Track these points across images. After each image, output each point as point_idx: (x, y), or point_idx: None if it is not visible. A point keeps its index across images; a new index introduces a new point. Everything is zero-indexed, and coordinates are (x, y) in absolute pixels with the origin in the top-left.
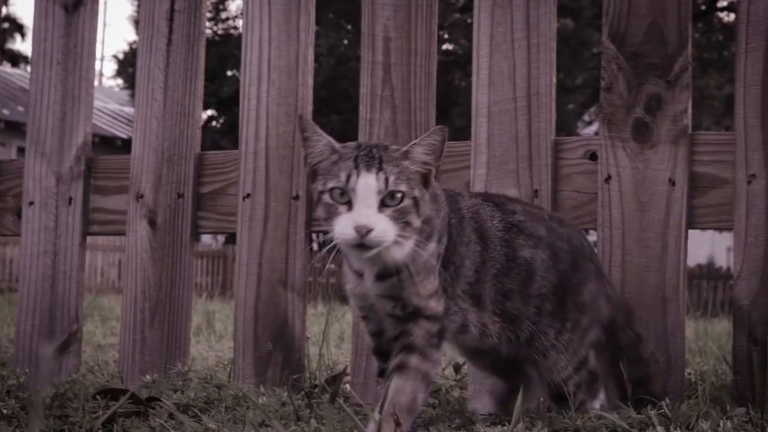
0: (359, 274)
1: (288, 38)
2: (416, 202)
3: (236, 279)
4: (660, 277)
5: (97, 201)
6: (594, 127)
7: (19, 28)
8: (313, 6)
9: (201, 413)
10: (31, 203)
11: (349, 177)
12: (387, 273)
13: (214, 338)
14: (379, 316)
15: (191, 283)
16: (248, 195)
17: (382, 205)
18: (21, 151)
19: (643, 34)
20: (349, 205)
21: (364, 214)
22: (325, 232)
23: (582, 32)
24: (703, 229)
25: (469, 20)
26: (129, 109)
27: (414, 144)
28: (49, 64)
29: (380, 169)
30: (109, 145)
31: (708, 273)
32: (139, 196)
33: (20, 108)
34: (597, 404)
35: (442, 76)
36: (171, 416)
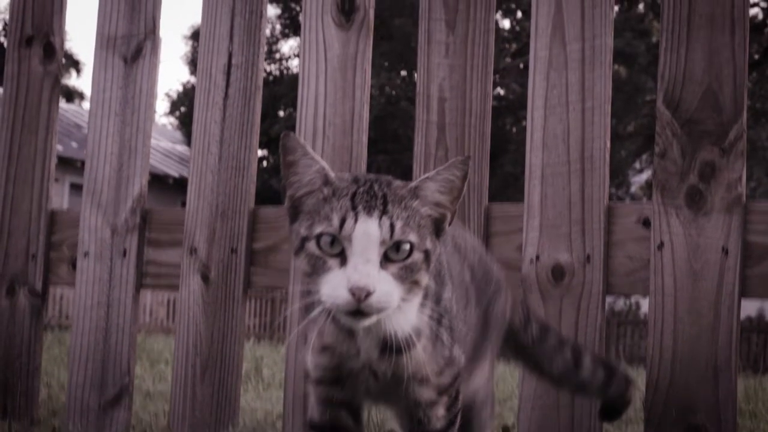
0: (348, 332)
1: (344, 95)
2: (427, 256)
3: (288, 336)
4: (712, 346)
5: (150, 254)
6: (645, 175)
7: (74, 63)
8: (369, 64)
9: None
10: (86, 254)
11: (343, 221)
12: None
13: (262, 387)
14: (363, 387)
15: (242, 339)
16: None
17: (386, 259)
18: (73, 187)
19: (698, 101)
20: (343, 258)
21: (363, 271)
22: (308, 292)
23: (636, 79)
24: (757, 298)
25: (521, 65)
26: (181, 147)
27: (426, 178)
28: (107, 115)
29: (384, 211)
30: (161, 183)
31: (758, 326)
32: (193, 250)
33: (74, 144)
34: None
35: (493, 121)
36: None
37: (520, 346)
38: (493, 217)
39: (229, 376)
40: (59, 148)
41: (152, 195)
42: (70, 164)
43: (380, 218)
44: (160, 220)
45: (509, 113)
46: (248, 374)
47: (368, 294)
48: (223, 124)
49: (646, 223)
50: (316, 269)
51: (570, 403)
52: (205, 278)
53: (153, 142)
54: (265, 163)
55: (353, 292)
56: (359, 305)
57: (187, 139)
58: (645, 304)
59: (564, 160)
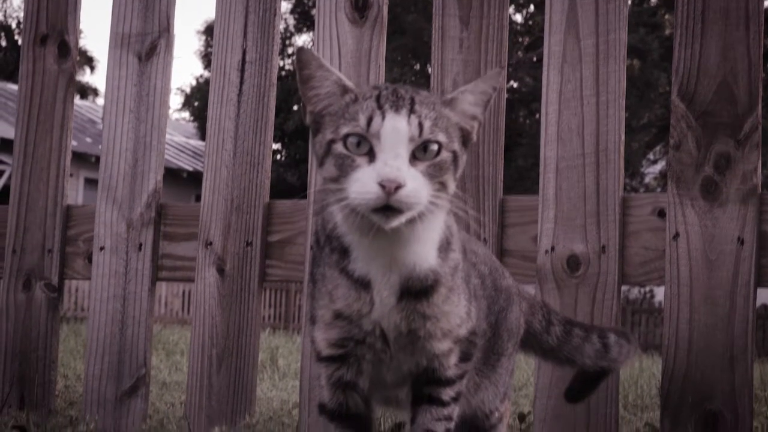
0: (363, 284)
1: None
2: (456, 158)
3: (304, 326)
4: (728, 335)
5: (166, 247)
6: (659, 166)
7: (88, 60)
8: (383, 59)
9: None
10: (102, 248)
11: (370, 120)
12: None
13: (278, 376)
14: (372, 359)
15: (258, 330)
16: None
17: (414, 157)
18: (88, 181)
19: (713, 94)
20: (371, 155)
21: (393, 165)
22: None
23: (649, 73)
24: None
25: (534, 58)
26: (195, 142)
27: (465, 91)
28: (121, 112)
29: (412, 110)
30: (175, 177)
31: None
32: (208, 244)
33: (88, 139)
34: None
35: (506, 114)
36: None
37: (547, 348)
38: (508, 210)
39: (245, 366)
40: (73, 143)
41: (166, 189)
42: (84, 159)
43: (408, 116)
44: (176, 215)
45: (522, 106)
46: (264, 364)
47: (398, 187)
48: (238, 120)
49: (661, 214)
50: (344, 170)
51: None
52: (220, 271)
53: (167, 137)
54: (279, 157)
55: (383, 184)
56: (389, 199)
57: (201, 133)
58: (659, 293)
59: (579, 153)
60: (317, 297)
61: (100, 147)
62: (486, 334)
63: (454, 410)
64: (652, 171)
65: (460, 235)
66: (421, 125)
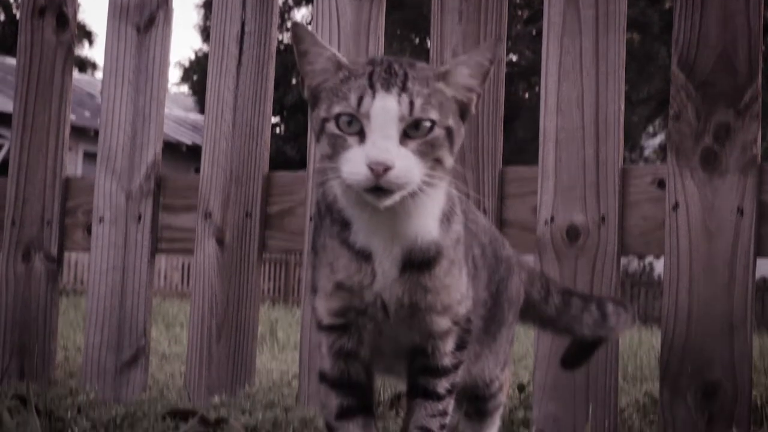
0: (364, 256)
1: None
2: (450, 134)
3: (303, 298)
4: (727, 305)
5: (165, 219)
6: (659, 139)
7: (87, 34)
8: (382, 31)
9: None
10: (101, 220)
11: (361, 99)
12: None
13: (277, 348)
14: (373, 329)
15: (258, 302)
16: None
17: (405, 136)
18: (87, 155)
19: (713, 64)
20: (362, 135)
21: (381, 146)
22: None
23: (649, 46)
24: None
25: (534, 32)
26: (194, 116)
27: (459, 63)
28: (120, 84)
29: (403, 89)
30: (175, 150)
31: None
32: (208, 215)
33: (87, 113)
34: None
35: (505, 87)
36: None
37: (546, 318)
38: (508, 180)
39: (244, 337)
40: (72, 117)
41: (165, 162)
42: (83, 133)
43: (399, 95)
44: (175, 186)
45: (522, 79)
46: (263, 337)
47: (387, 169)
48: (237, 91)
49: (661, 184)
50: (336, 149)
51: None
52: (220, 242)
53: (166, 110)
54: (279, 130)
55: (371, 167)
56: (378, 180)
57: (200, 107)
58: (659, 266)
59: (578, 124)
60: (318, 267)
61: (99, 120)
62: (487, 304)
63: (449, 404)
64: (651, 144)
65: (463, 206)
66: (412, 103)
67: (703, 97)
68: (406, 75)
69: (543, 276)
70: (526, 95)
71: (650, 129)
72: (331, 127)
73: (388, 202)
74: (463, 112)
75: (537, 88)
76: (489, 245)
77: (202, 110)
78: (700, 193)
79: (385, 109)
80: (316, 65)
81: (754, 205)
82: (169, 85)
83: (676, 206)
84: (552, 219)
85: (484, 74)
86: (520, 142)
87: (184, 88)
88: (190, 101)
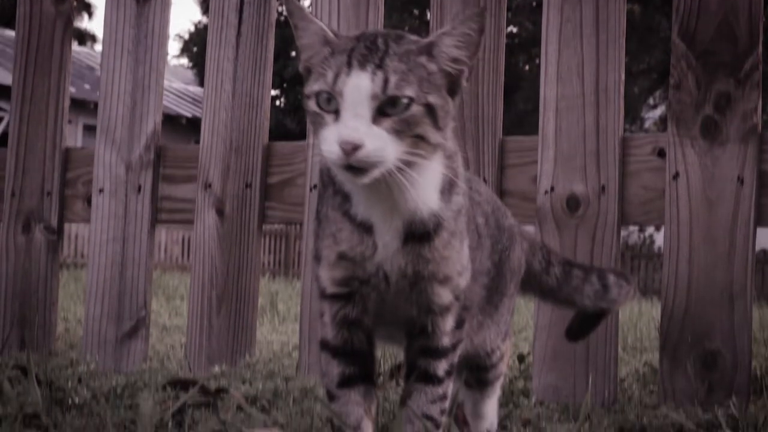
0: (365, 228)
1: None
2: (432, 110)
3: (303, 270)
4: (727, 274)
5: (165, 189)
6: (659, 111)
7: (86, 6)
8: (381, 2)
9: (269, 405)
10: (101, 191)
11: (337, 77)
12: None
13: (278, 320)
14: (376, 298)
15: (258, 272)
16: (316, 186)
17: (381, 114)
18: (87, 128)
19: (714, 32)
20: (337, 113)
21: (351, 125)
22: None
23: (650, 18)
24: None
25: (534, 3)
26: (193, 88)
27: (442, 33)
28: (120, 54)
29: (379, 66)
30: (174, 123)
31: None
32: (208, 186)
33: (87, 86)
34: None
35: (506, 59)
36: (239, 408)
37: (546, 289)
38: (508, 150)
39: (245, 307)
40: (72, 90)
41: (165, 135)
42: (83, 106)
43: (374, 72)
44: (175, 157)
45: (522, 51)
46: (263, 309)
47: (356, 148)
48: (236, 61)
49: (661, 153)
50: (316, 126)
51: None
52: (220, 213)
53: (165, 83)
54: (278, 103)
55: (341, 146)
56: (349, 159)
57: (200, 79)
58: (659, 238)
59: (578, 92)
60: (322, 236)
61: (98, 92)
62: (490, 273)
63: (449, 387)
64: (651, 116)
65: (467, 176)
66: (386, 81)
67: (703, 67)
68: (387, 50)
69: (544, 246)
70: (526, 67)
71: (650, 101)
72: (312, 104)
73: (365, 180)
74: (452, 85)
75: (537, 60)
76: (492, 214)
77: (201, 83)
78: (700, 163)
79: (358, 88)
80: (305, 40)
81: (754, 174)
82: (169, 58)
83: (676, 175)
84: (552, 189)
85: (472, 45)
86: (520, 114)
87: (184, 61)
88: (190, 74)
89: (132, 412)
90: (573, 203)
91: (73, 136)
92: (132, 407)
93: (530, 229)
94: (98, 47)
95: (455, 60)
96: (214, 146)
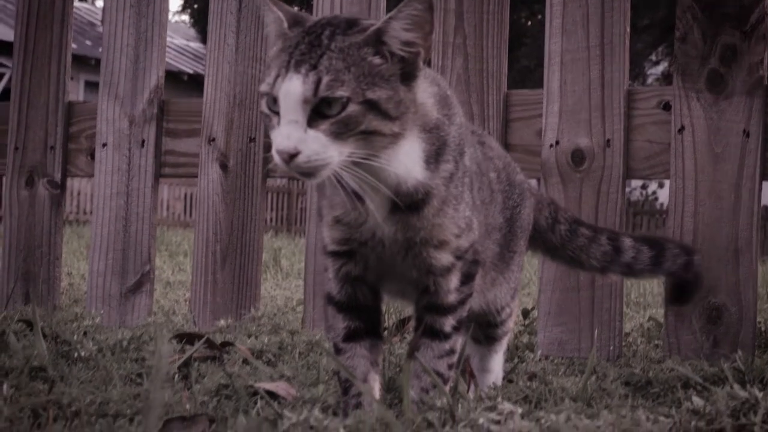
0: (357, 196)
1: None
2: (375, 105)
3: (307, 226)
4: (733, 228)
5: (169, 144)
6: (662, 67)
7: None
8: None
9: (275, 359)
10: (104, 145)
11: (276, 79)
12: (407, 203)
13: (281, 276)
14: (376, 258)
15: (262, 227)
16: None
17: (319, 116)
18: (88, 84)
19: None
20: (278, 116)
21: (284, 133)
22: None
23: None
24: None
25: None
26: (195, 45)
27: (388, 19)
28: (122, 8)
29: (314, 66)
30: (176, 80)
31: None
32: (211, 140)
33: (88, 42)
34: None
35: (509, 14)
36: (245, 361)
37: (551, 246)
38: (512, 104)
39: (249, 262)
40: (73, 46)
41: (167, 91)
42: (84, 62)
43: (306, 74)
44: (178, 111)
45: (524, 7)
46: (267, 265)
47: (292, 156)
48: (240, 14)
49: (667, 107)
50: (267, 127)
51: (590, 284)
52: (223, 167)
53: (167, 39)
54: None
55: (279, 155)
56: (288, 166)
57: (201, 36)
58: (662, 194)
59: (584, 45)
60: (321, 197)
61: (100, 49)
62: (502, 229)
63: (457, 341)
64: (654, 72)
65: (478, 132)
66: (318, 82)
67: (709, 19)
68: (328, 46)
69: (552, 203)
70: (529, 23)
71: (653, 56)
72: (263, 104)
73: (316, 180)
74: (408, 69)
75: (539, 16)
76: (503, 170)
77: (203, 40)
78: (705, 116)
79: (289, 92)
80: (268, 29)
81: (760, 127)
82: (170, 14)
83: (681, 129)
84: (557, 142)
85: (423, 25)
86: (523, 70)
87: (185, 17)
88: (192, 31)
89: (138, 365)
90: (578, 157)
91: (75, 93)
92: (138, 360)
93: (534, 183)
94: (99, 3)
95: (408, 43)
96: (217, 101)
